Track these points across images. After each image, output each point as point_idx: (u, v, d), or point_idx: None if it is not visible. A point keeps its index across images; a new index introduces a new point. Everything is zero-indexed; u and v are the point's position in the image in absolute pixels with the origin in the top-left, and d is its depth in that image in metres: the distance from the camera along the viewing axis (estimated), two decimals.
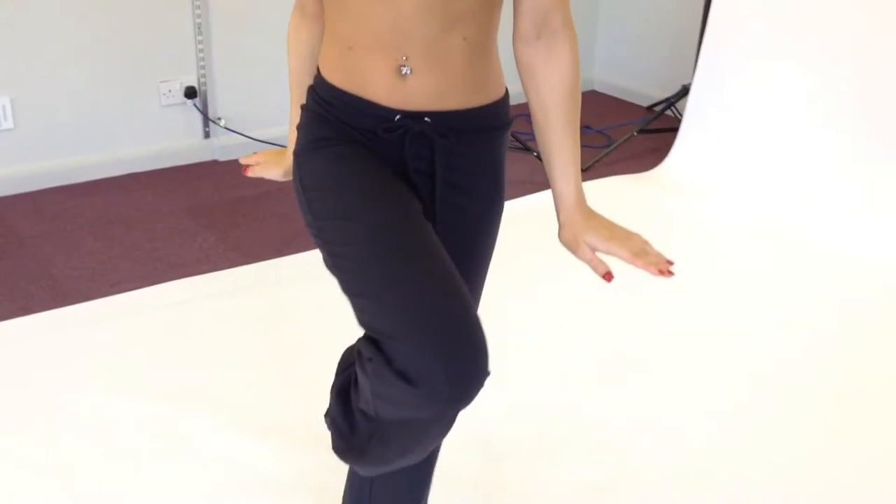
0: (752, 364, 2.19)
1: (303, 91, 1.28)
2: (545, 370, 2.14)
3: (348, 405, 1.24)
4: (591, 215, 1.20)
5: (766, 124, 3.12)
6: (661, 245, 1.18)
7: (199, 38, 3.25)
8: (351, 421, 1.23)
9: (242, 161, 1.41)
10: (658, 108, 3.81)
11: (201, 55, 3.27)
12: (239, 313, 2.34)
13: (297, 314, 2.32)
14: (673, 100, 3.69)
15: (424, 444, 1.20)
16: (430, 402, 1.05)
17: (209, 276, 2.53)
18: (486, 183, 1.25)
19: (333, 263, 1.14)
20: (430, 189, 1.20)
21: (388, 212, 1.13)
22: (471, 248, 1.26)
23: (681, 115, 3.47)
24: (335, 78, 1.19)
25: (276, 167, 1.39)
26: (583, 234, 1.18)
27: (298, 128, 1.25)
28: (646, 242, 1.17)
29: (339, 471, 1.44)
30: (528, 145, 3.46)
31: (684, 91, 3.55)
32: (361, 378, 1.14)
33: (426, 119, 1.17)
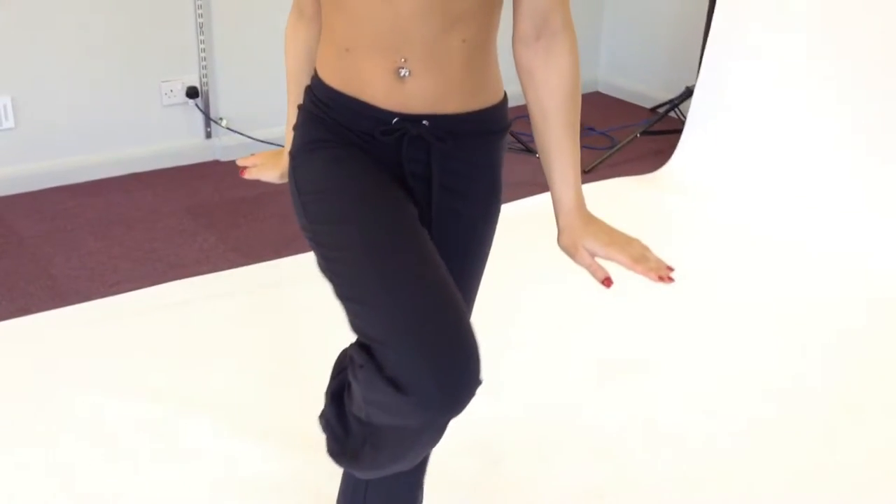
0: (754, 367, 2.18)
1: (300, 92, 1.28)
2: (544, 373, 2.13)
3: (342, 408, 1.23)
4: (590, 220, 1.19)
5: (770, 126, 3.11)
6: (664, 247, 1.17)
7: (201, 37, 3.24)
8: (345, 424, 1.23)
9: (239, 163, 1.40)
10: (662, 110, 3.80)
11: (203, 55, 3.26)
12: (238, 314, 2.33)
13: (296, 315, 2.31)
14: (676, 101, 3.68)
15: (416, 451, 1.19)
16: (421, 410, 1.04)
17: (209, 276, 2.52)
18: (483, 187, 1.24)
19: (327, 267, 1.13)
20: (426, 193, 1.19)
21: (383, 217, 1.12)
22: (466, 252, 1.25)
23: (684, 117, 3.46)
24: (332, 79, 1.18)
25: (272, 169, 1.38)
26: (582, 239, 1.17)
27: (294, 128, 1.24)
28: (646, 248, 1.16)
29: (337, 473, 1.44)
30: (529, 147, 3.45)
31: (688, 93, 3.53)
32: (353, 383, 1.13)
33: (424, 122, 1.15)
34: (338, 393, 1.25)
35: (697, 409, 2.02)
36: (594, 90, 4.41)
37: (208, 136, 3.38)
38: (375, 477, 1.33)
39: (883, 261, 2.68)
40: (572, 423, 1.95)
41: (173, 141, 3.32)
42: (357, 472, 1.30)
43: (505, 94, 1.25)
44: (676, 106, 3.69)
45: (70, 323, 2.27)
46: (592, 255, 1.17)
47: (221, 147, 3.38)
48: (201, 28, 3.22)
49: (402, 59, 1.12)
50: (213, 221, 2.89)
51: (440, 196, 1.19)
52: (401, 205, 1.15)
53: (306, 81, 1.26)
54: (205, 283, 2.49)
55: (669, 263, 1.14)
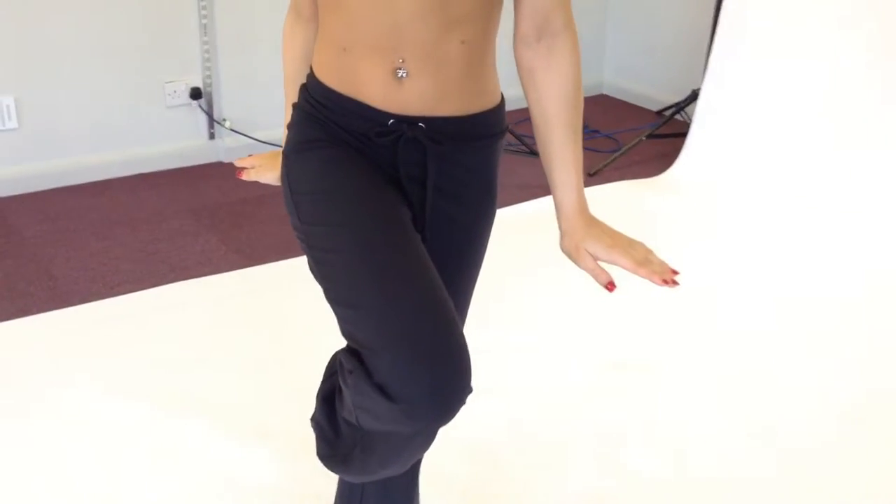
0: (756, 369, 2.16)
1: (297, 92, 1.26)
2: (546, 375, 2.11)
3: (334, 411, 1.22)
4: (592, 223, 1.17)
5: (776, 130, 3.09)
6: (669, 250, 1.15)
7: (205, 38, 3.23)
8: (336, 427, 1.22)
9: (237, 164, 1.38)
10: (667, 113, 3.78)
11: (207, 56, 3.25)
12: (239, 317, 2.32)
13: (298, 318, 2.30)
14: (682, 104, 3.66)
15: (406, 456, 1.18)
16: (409, 418, 1.03)
17: (210, 278, 2.51)
18: (479, 191, 1.22)
19: (318, 270, 1.12)
20: (420, 196, 1.18)
21: (376, 221, 1.10)
22: (460, 256, 1.24)
23: (690, 121, 3.44)
24: (329, 79, 1.16)
25: (270, 171, 1.36)
26: (584, 242, 1.15)
27: (289, 127, 1.23)
28: (649, 251, 1.14)
29: (335, 476, 1.42)
30: (533, 149, 3.43)
31: (694, 96, 3.52)
32: (343, 388, 1.11)
33: (420, 124, 1.14)
34: (329, 396, 1.24)
35: (699, 411, 2.00)
36: (600, 93, 4.40)
37: (212, 137, 3.38)
38: (365, 481, 1.32)
39: (889, 263, 2.66)
40: (573, 426, 1.94)
41: (176, 142, 3.31)
42: (347, 476, 1.29)
43: (502, 98, 1.23)
44: (682, 109, 3.67)
45: (70, 324, 2.26)
46: (595, 258, 1.15)
47: (225, 148, 3.37)
48: (205, 29, 3.22)
49: (400, 60, 1.10)
50: (216, 223, 2.88)
51: (435, 199, 1.18)
52: (394, 209, 1.13)
53: (303, 81, 1.25)
54: (206, 284, 2.48)
55: (674, 267, 1.12)
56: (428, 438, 1.15)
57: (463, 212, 1.21)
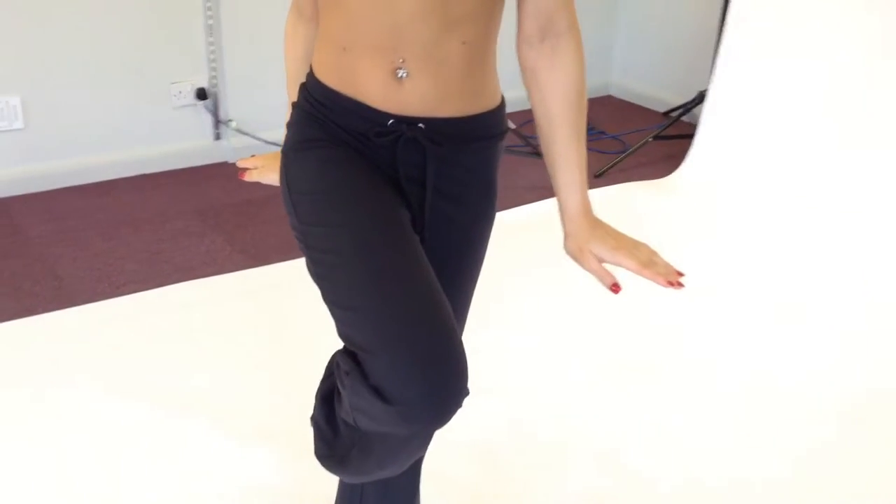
0: (759, 371, 2.15)
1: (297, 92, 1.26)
2: (546, 376, 2.11)
3: (332, 411, 1.21)
4: (596, 225, 1.16)
5: (783, 131, 3.08)
6: (675, 252, 1.14)
7: (211, 39, 3.23)
8: (334, 427, 1.21)
9: (240, 164, 1.38)
10: (674, 115, 3.77)
11: (212, 57, 3.26)
12: (243, 317, 2.32)
13: (302, 319, 2.29)
14: (689, 106, 3.65)
15: (403, 458, 1.18)
16: (405, 421, 1.02)
17: (214, 278, 2.51)
18: (478, 193, 1.21)
19: (315, 270, 1.11)
20: (420, 197, 1.17)
21: (375, 221, 1.10)
22: (460, 257, 1.23)
23: (697, 122, 3.43)
24: (329, 79, 1.16)
25: (273, 171, 1.35)
26: (588, 243, 1.15)
27: (288, 125, 1.22)
28: (654, 252, 1.13)
29: (335, 477, 1.42)
30: (539, 150, 3.42)
31: (701, 97, 3.51)
32: (341, 389, 1.11)
33: (420, 125, 1.13)
34: (328, 395, 1.24)
35: (699, 411, 2.00)
36: (606, 94, 4.39)
37: (217, 137, 3.38)
38: (362, 482, 1.32)
39: (894, 265, 2.65)
40: (574, 427, 1.93)
41: (182, 142, 3.31)
42: (344, 477, 1.28)
43: (503, 99, 1.22)
44: (689, 110, 3.66)
45: (75, 324, 2.26)
46: (599, 260, 1.14)
47: (230, 149, 3.37)
48: (210, 30, 3.22)
49: (401, 60, 1.09)
50: (221, 223, 2.88)
51: (434, 200, 1.17)
52: (393, 210, 1.13)
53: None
54: (210, 285, 2.48)
55: (679, 268, 1.11)
56: (425, 441, 1.15)
57: (462, 213, 1.20)
